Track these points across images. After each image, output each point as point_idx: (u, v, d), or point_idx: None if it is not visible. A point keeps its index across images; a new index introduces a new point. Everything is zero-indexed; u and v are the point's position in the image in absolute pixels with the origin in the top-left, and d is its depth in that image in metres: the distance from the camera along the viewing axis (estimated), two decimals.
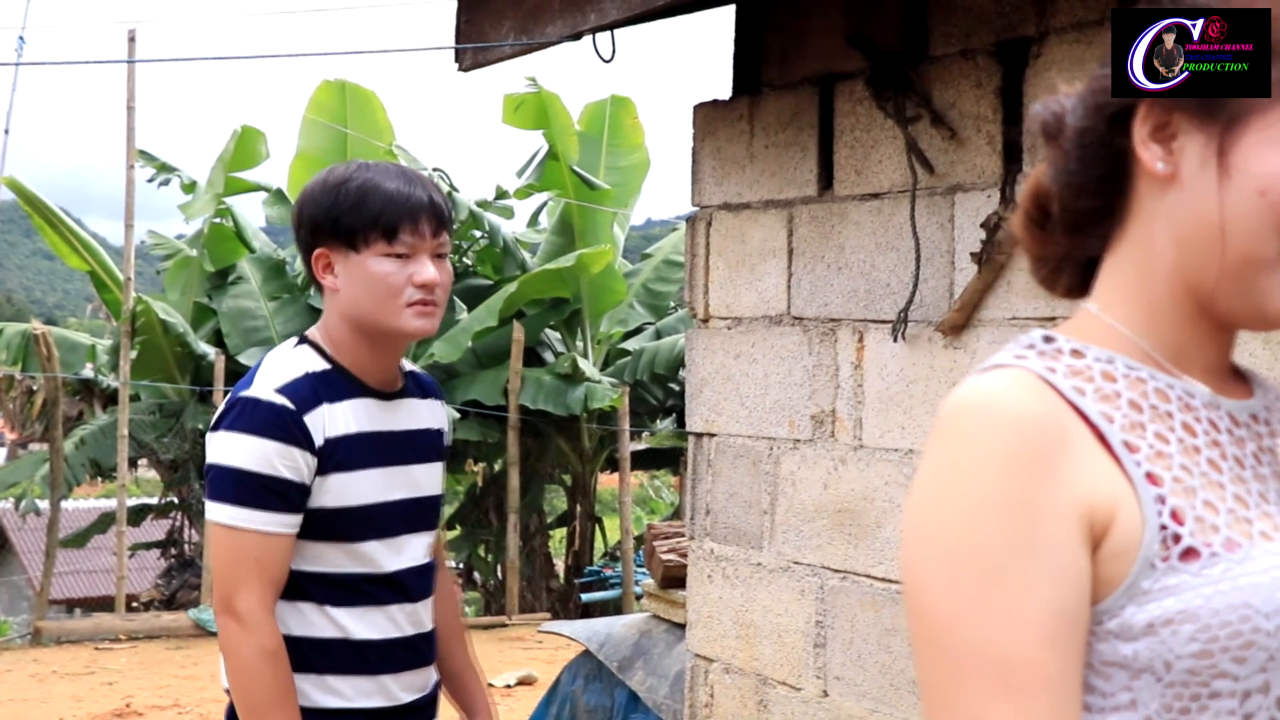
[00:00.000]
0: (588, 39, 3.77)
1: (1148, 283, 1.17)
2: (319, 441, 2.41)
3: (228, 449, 2.37)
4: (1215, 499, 1.10)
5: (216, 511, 2.38)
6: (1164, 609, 1.06)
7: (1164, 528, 1.07)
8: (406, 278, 2.45)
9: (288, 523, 2.39)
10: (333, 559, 2.46)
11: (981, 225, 3.20)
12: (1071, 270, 1.26)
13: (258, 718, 2.36)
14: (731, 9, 3.94)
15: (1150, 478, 1.09)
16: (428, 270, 2.47)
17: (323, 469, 2.42)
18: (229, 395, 2.45)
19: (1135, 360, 1.16)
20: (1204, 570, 1.06)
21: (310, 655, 2.43)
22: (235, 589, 2.35)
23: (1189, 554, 1.07)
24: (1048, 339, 1.17)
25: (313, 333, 2.56)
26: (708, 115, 3.97)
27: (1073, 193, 1.20)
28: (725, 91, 3.94)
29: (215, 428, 2.41)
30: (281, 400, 2.39)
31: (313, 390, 2.43)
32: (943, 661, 1.05)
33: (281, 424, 2.37)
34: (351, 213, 2.45)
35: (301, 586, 2.44)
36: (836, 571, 3.54)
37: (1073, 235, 1.23)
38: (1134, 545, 1.07)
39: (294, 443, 2.38)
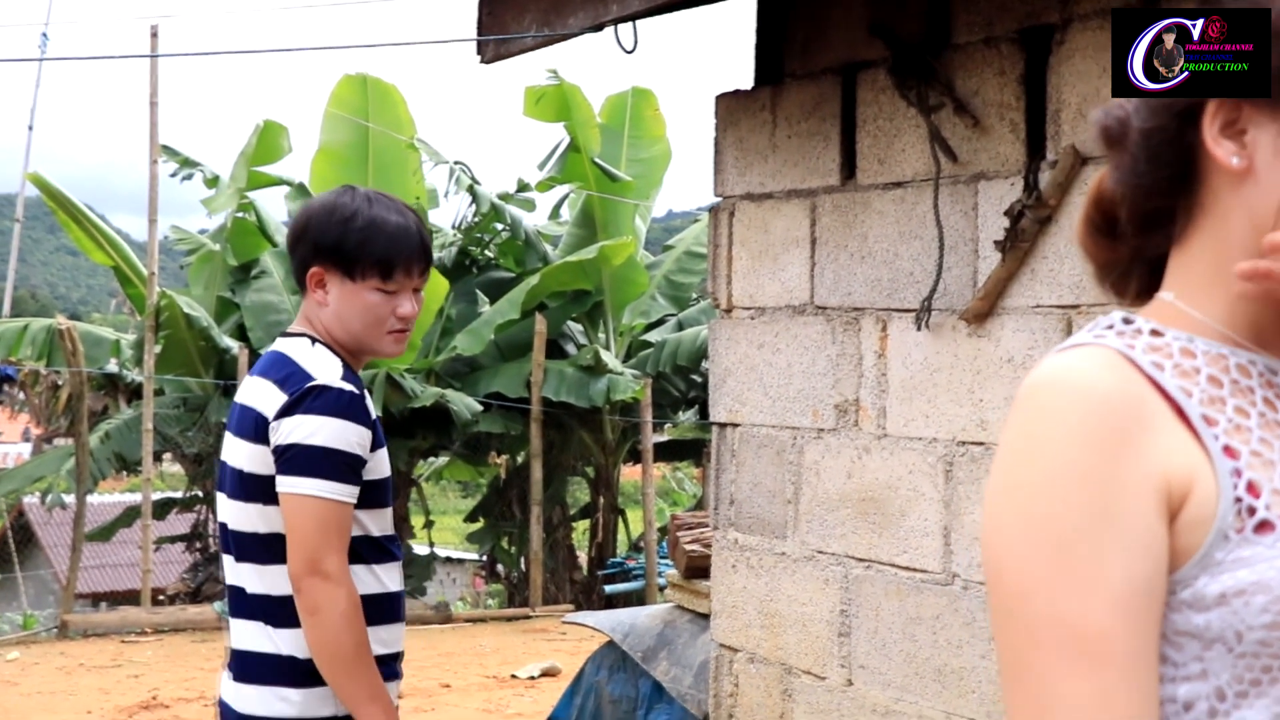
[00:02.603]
0: (609, 30, 3.77)
1: (1228, 271, 1.17)
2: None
3: (313, 429, 2.64)
4: None
5: (305, 485, 2.63)
6: (1237, 580, 1.06)
7: (1239, 500, 1.08)
8: (391, 310, 2.81)
9: (355, 494, 2.70)
10: (371, 524, 2.78)
11: (1005, 213, 3.19)
12: (1141, 272, 1.27)
13: (353, 666, 2.65)
14: None
15: (1228, 451, 1.10)
16: (408, 305, 2.84)
17: (373, 446, 2.74)
18: (289, 382, 2.69)
19: (1214, 341, 1.17)
20: (1279, 543, 1.07)
21: (365, 611, 2.69)
22: (325, 553, 2.63)
23: (1264, 526, 1.08)
24: (1127, 320, 1.18)
25: (310, 331, 2.83)
26: (730, 106, 3.97)
27: (1144, 194, 1.21)
28: (747, 82, 3.94)
29: (290, 412, 2.65)
30: (350, 387, 2.71)
31: (355, 379, 2.76)
32: (1019, 631, 1.07)
33: (357, 408, 2.70)
34: (356, 248, 2.77)
35: (355, 550, 2.72)
36: (861, 560, 3.55)
37: (1145, 235, 1.23)
38: (1209, 517, 1.08)
39: (365, 424, 2.71)
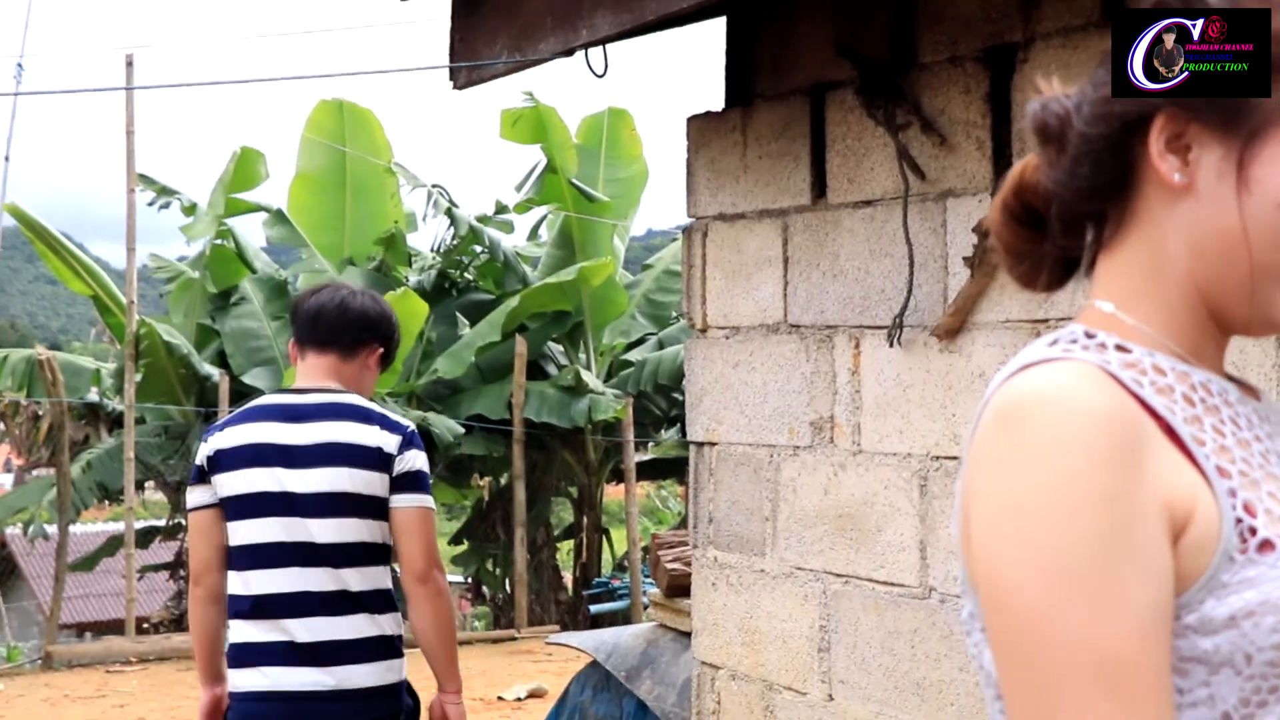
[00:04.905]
0: (580, 54, 3.80)
1: (1162, 286, 1.17)
2: None
3: (422, 459, 3.46)
4: (1276, 490, 1.11)
5: (426, 500, 3.45)
6: (1245, 601, 1.05)
7: (1239, 521, 1.07)
8: None
9: None
10: None
11: (973, 230, 3.23)
12: (1053, 267, 1.25)
13: (454, 636, 3.56)
14: (722, 21, 3.97)
15: (1220, 471, 1.09)
16: None
17: None
18: (389, 426, 3.45)
19: (1172, 358, 1.15)
20: None
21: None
22: (437, 550, 3.48)
23: (1265, 546, 1.06)
24: (1089, 334, 1.16)
25: (349, 388, 3.61)
26: (701, 127, 4.01)
27: (1081, 196, 1.19)
28: (720, 101, 3.98)
29: (408, 447, 3.44)
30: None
31: None
32: (1040, 663, 1.02)
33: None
34: (397, 346, 3.79)
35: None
36: (839, 576, 3.57)
37: (1071, 236, 1.22)
38: (1212, 539, 1.06)
39: None
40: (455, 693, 3.63)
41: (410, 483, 3.41)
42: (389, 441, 3.41)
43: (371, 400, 3.61)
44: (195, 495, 3.50)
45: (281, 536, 3.37)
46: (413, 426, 3.51)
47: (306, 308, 3.60)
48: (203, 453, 3.49)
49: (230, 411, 4.50)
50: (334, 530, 3.36)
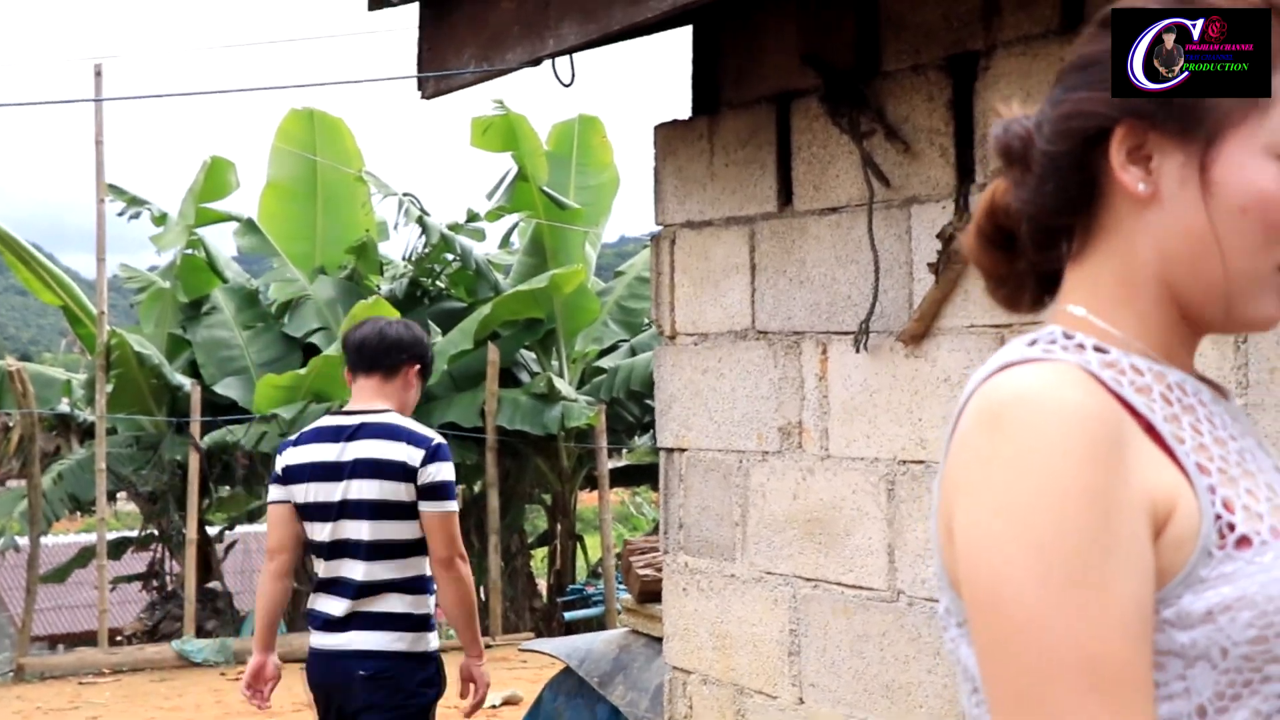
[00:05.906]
0: (547, 64, 3.82)
1: (1133, 290, 1.19)
2: None
3: (446, 470, 4.15)
4: (1253, 487, 1.13)
5: (449, 505, 4.16)
6: (1222, 596, 1.06)
7: (1218, 517, 1.09)
8: None
9: None
10: None
11: (937, 236, 3.26)
12: (1033, 286, 1.27)
13: (475, 614, 4.30)
14: (688, 30, 4.00)
15: (1199, 468, 1.11)
16: None
17: None
18: (417, 441, 4.12)
19: (1144, 359, 1.17)
20: (1257, 558, 1.08)
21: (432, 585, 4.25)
22: (460, 544, 4.19)
23: (1242, 542, 1.08)
24: (1067, 335, 1.18)
25: (390, 405, 4.31)
26: (668, 135, 4.03)
27: (1050, 213, 1.21)
28: (688, 110, 4.01)
29: (432, 460, 4.12)
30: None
31: None
32: (1025, 660, 1.03)
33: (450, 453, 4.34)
34: (432, 364, 4.53)
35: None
36: (808, 580, 3.60)
37: (1043, 251, 1.24)
38: (1192, 535, 1.08)
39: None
40: (478, 657, 4.42)
41: (434, 492, 4.13)
42: (414, 455, 4.12)
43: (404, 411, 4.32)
44: (274, 492, 4.31)
45: (329, 536, 4.15)
46: (438, 439, 4.19)
47: (352, 341, 4.34)
48: (280, 463, 4.28)
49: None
50: (370, 531, 4.10)
